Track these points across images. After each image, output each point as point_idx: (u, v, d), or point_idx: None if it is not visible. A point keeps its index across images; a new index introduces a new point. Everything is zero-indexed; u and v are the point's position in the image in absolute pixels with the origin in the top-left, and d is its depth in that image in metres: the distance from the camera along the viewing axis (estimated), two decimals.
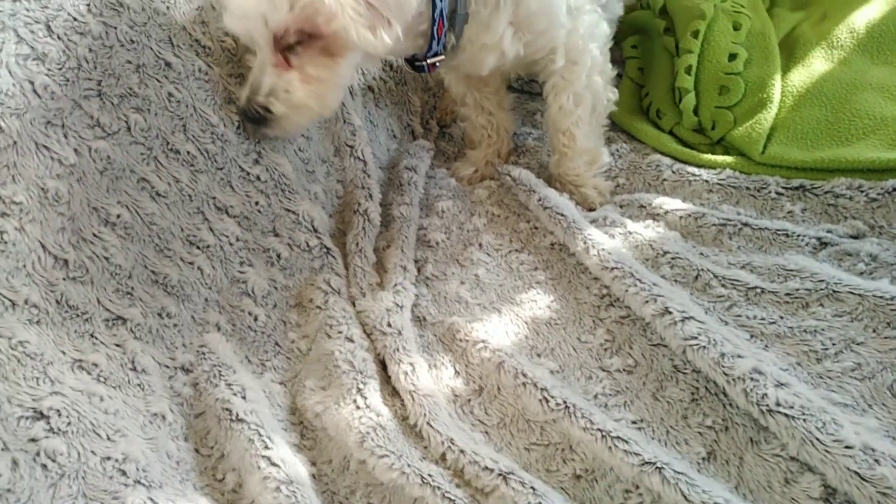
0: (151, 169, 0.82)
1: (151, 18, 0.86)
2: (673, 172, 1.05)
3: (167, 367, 0.76)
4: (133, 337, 0.74)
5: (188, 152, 0.86)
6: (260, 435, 0.69)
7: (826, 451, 0.62)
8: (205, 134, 0.88)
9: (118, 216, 0.77)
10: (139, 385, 0.72)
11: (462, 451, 0.68)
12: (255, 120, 0.85)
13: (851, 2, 1.23)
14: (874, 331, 0.75)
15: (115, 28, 0.82)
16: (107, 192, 0.77)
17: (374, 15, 0.77)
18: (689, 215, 0.95)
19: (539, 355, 0.82)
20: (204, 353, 0.78)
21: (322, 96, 0.86)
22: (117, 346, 0.73)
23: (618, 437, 0.67)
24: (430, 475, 0.66)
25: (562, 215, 0.97)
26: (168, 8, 0.89)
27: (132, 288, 0.76)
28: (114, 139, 0.79)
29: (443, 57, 0.95)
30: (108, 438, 0.65)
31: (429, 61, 0.94)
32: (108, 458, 0.63)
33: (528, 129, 1.28)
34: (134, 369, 0.73)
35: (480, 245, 1.00)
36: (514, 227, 1.03)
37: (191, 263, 0.82)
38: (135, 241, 0.78)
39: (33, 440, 0.60)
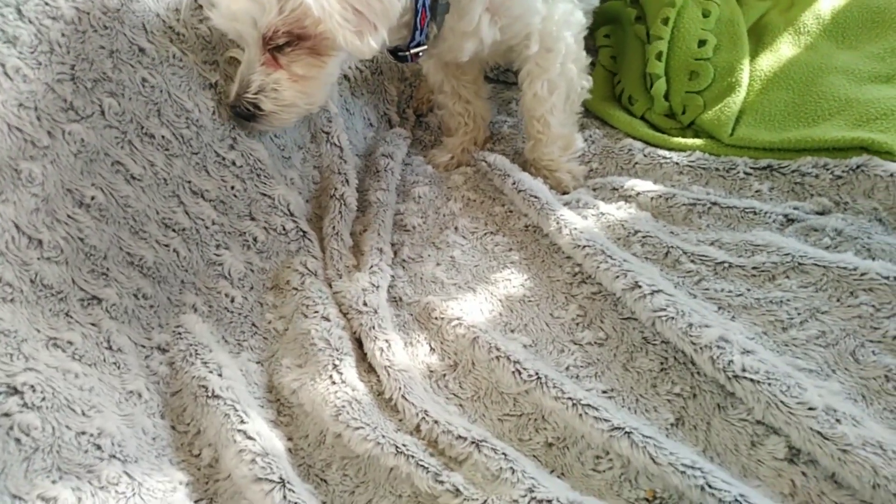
0: (126, 152, 0.82)
1: (125, 4, 0.87)
2: (645, 156, 1.07)
3: (143, 346, 0.77)
4: (108, 317, 0.75)
5: (163, 136, 0.86)
6: (236, 410, 0.70)
7: (790, 413, 0.64)
8: (179, 119, 0.88)
9: (93, 198, 0.77)
10: (115, 363, 0.73)
11: (436, 422, 0.70)
12: (245, 116, 0.88)
13: None
14: (838, 300, 0.77)
15: (88, 13, 0.82)
16: (81, 175, 0.77)
17: (361, 20, 0.79)
18: (660, 196, 0.97)
19: (513, 331, 0.84)
20: (180, 334, 0.79)
21: (310, 94, 0.88)
22: (93, 325, 0.73)
23: (588, 405, 0.69)
24: (404, 445, 0.67)
25: (535, 198, 0.98)
26: None
27: (107, 269, 0.77)
28: (87, 122, 0.79)
29: (426, 47, 0.96)
30: (83, 414, 0.65)
31: (412, 51, 0.96)
32: (83, 433, 0.64)
33: (504, 117, 1.29)
34: (109, 348, 0.73)
35: (456, 228, 1.02)
36: (490, 210, 1.05)
37: (166, 246, 0.83)
38: (109, 223, 0.78)
39: (6, 415, 0.60)
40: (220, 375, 0.74)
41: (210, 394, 0.72)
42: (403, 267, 0.96)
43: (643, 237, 0.90)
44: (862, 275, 0.77)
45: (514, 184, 1.03)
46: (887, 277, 0.76)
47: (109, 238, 0.78)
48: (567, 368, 0.78)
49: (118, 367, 0.72)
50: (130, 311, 0.77)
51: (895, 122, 0.96)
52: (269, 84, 0.85)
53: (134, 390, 0.72)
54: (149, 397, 0.73)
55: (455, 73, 1.13)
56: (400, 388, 0.74)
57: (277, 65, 0.85)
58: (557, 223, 0.92)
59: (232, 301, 0.85)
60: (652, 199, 0.97)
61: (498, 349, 0.78)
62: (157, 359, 0.76)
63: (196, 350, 0.77)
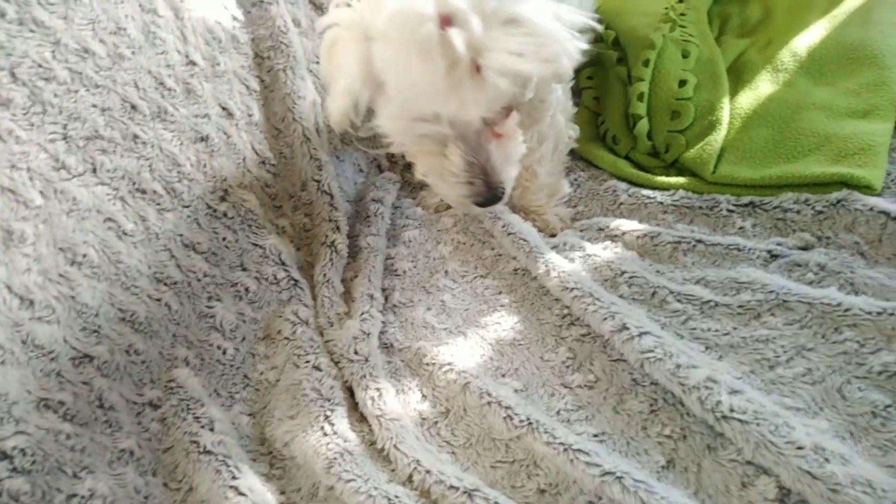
0: (118, 208, 0.83)
1: (116, 63, 0.89)
2: (629, 196, 1.08)
3: (135, 403, 0.77)
4: (100, 374, 0.75)
5: (154, 191, 0.87)
6: (227, 465, 0.70)
7: (779, 452, 0.64)
8: (171, 173, 0.90)
9: (84, 255, 0.78)
10: (106, 422, 0.73)
11: (428, 472, 0.70)
12: (498, 198, 0.82)
13: (794, 28, 1.29)
14: (823, 336, 0.78)
15: (81, 73, 0.84)
16: (73, 232, 0.78)
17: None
18: (646, 235, 0.98)
19: (504, 375, 0.84)
20: (172, 388, 0.79)
21: (519, 142, 0.85)
22: (84, 383, 0.73)
23: (579, 450, 0.69)
24: (396, 496, 0.67)
25: (524, 241, 1.00)
26: (133, 53, 0.92)
27: (99, 326, 0.77)
28: (79, 180, 0.81)
29: None
30: (75, 476, 0.65)
31: None
32: (74, 496, 0.64)
33: None
34: (101, 406, 0.73)
35: (446, 272, 1.03)
36: (479, 254, 1.06)
37: (158, 300, 0.83)
38: (101, 280, 0.79)
39: None
40: (211, 430, 0.74)
41: (202, 449, 0.72)
42: (394, 312, 0.97)
43: (630, 277, 0.91)
44: (846, 311, 0.78)
45: (503, 226, 1.04)
46: (870, 313, 0.77)
47: (101, 294, 0.79)
48: (558, 412, 0.78)
49: (110, 426, 0.72)
50: (122, 368, 0.77)
51: (873, 157, 0.98)
52: (504, 156, 0.81)
53: (126, 448, 0.72)
54: (140, 455, 0.73)
55: None
56: (392, 438, 0.74)
57: (496, 134, 0.80)
58: (546, 266, 0.93)
59: (224, 353, 0.86)
60: (637, 237, 0.99)
61: (489, 394, 0.78)
62: (148, 415, 0.77)
63: (188, 405, 0.77)
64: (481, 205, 0.82)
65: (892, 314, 0.76)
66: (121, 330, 0.79)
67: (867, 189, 0.94)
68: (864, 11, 1.26)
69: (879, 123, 1.04)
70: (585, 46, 0.73)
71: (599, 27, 0.74)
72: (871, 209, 0.90)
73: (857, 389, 0.72)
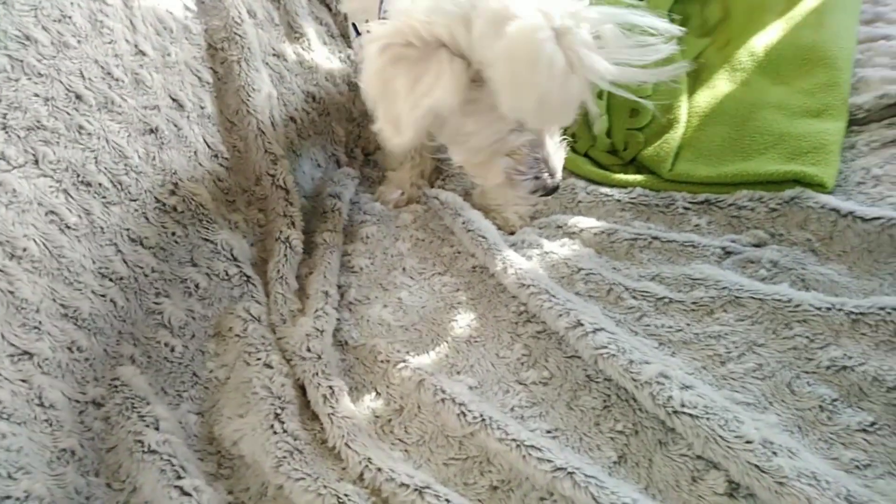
0: (61, 201, 0.80)
1: (61, 52, 0.86)
2: (587, 194, 1.08)
3: (77, 401, 0.74)
4: (40, 372, 0.72)
5: (100, 184, 0.85)
6: (172, 465, 0.68)
7: (728, 447, 0.65)
8: (118, 166, 0.87)
9: (24, 249, 0.75)
10: (46, 420, 0.70)
11: (379, 469, 0.69)
12: (558, 186, 0.86)
13: (752, 28, 1.31)
14: (773, 332, 0.78)
15: (22, 61, 0.81)
16: (12, 226, 0.75)
17: None
18: (603, 232, 0.98)
19: (459, 372, 0.83)
20: (116, 387, 0.77)
21: None
22: (23, 381, 0.70)
23: (532, 447, 0.68)
24: (346, 495, 0.66)
25: (483, 238, 0.99)
26: (79, 42, 0.89)
27: (39, 322, 0.74)
28: (20, 172, 0.78)
29: None
30: (10, 477, 0.63)
31: None
32: (8, 497, 0.61)
33: None
34: (41, 405, 0.71)
35: (404, 269, 1.01)
36: (438, 251, 1.05)
37: (103, 296, 0.81)
38: (42, 275, 0.76)
39: None
40: (156, 429, 0.72)
41: (146, 449, 0.70)
42: (350, 309, 0.95)
43: (586, 274, 0.91)
44: (796, 307, 0.79)
45: (463, 223, 1.03)
46: (819, 308, 0.78)
47: (42, 290, 0.76)
48: (512, 409, 0.77)
49: (50, 425, 0.70)
50: (64, 366, 0.75)
51: (825, 155, 0.99)
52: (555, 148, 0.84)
53: (67, 448, 0.69)
54: (83, 454, 0.71)
55: None
56: (343, 436, 0.73)
57: None
58: (503, 263, 0.93)
59: (172, 350, 0.83)
60: (595, 235, 0.99)
61: (443, 392, 0.77)
62: (91, 414, 0.74)
63: (133, 403, 0.74)
64: (547, 194, 0.86)
65: (840, 309, 0.77)
66: (63, 326, 0.77)
67: (820, 187, 0.96)
68: (819, 14, 1.28)
69: (832, 123, 1.06)
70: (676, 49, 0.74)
71: (682, 30, 0.74)
72: (822, 207, 0.91)
73: (805, 384, 0.73)
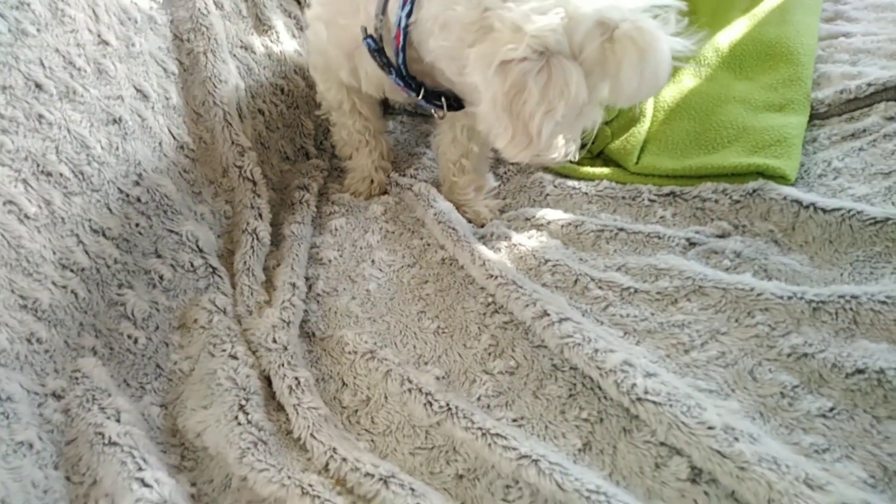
0: (20, 191, 0.79)
1: (19, 39, 0.84)
2: (555, 187, 1.09)
3: (36, 393, 0.73)
4: None
5: (61, 174, 0.83)
6: (133, 457, 0.67)
7: (691, 433, 0.66)
8: (79, 156, 0.86)
9: None
10: (3, 413, 0.68)
11: (344, 459, 0.68)
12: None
13: (716, 24, 1.33)
14: (736, 321, 0.79)
15: None
16: None
17: None
18: (570, 223, 0.99)
19: (426, 363, 0.83)
20: (77, 378, 0.75)
21: None
22: None
23: (497, 435, 0.69)
24: (310, 485, 0.65)
25: (454, 230, 0.99)
26: (38, 30, 0.87)
27: None
28: None
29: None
30: None
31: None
32: None
33: (423, 149, 1.30)
34: None
35: (373, 261, 1.01)
36: (408, 243, 1.05)
37: (64, 287, 0.79)
38: (0, 266, 0.75)
39: None
40: (118, 421, 0.71)
41: (107, 441, 0.68)
42: (318, 301, 0.95)
43: (553, 266, 0.91)
44: (758, 295, 0.80)
45: (435, 214, 1.03)
46: (781, 297, 0.79)
47: (0, 281, 0.74)
48: (478, 399, 0.78)
49: (7, 417, 0.68)
50: (23, 357, 0.73)
51: (788, 149, 1.01)
52: None
53: (24, 441, 0.68)
54: (41, 447, 0.69)
55: (357, 94, 1.10)
56: (309, 427, 0.73)
57: None
58: (472, 255, 0.93)
59: (135, 342, 0.82)
60: (562, 226, 0.99)
61: (410, 381, 0.77)
62: (51, 406, 0.73)
63: (94, 395, 0.73)
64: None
65: (801, 298, 0.78)
66: (21, 318, 0.75)
67: (782, 179, 0.97)
68: (782, 11, 1.30)
69: (794, 117, 1.07)
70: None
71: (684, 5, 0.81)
72: (784, 198, 0.93)
73: (767, 371, 0.74)
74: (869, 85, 1.07)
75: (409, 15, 0.85)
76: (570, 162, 1.14)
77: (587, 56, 0.76)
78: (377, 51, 0.90)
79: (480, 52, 0.77)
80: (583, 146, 1.16)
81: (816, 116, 1.10)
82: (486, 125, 0.82)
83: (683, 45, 0.77)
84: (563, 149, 0.92)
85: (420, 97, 0.94)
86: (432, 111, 0.99)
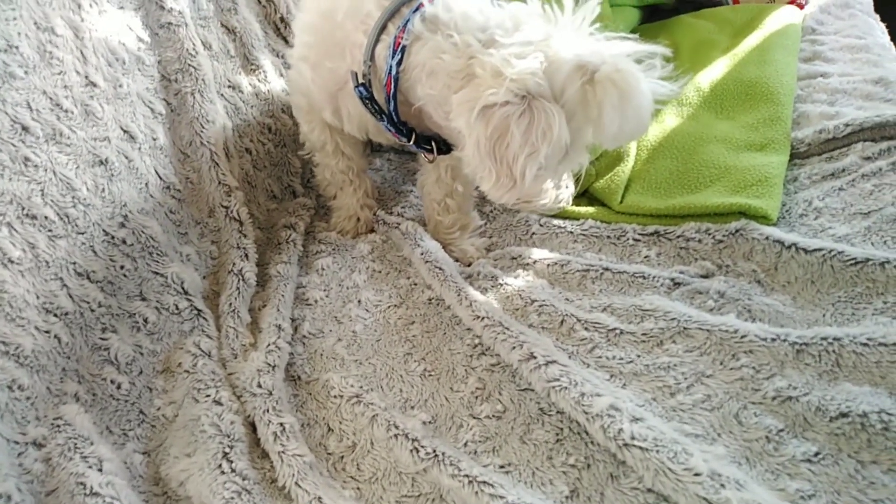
0: (4, 235, 0.78)
1: (6, 82, 0.84)
2: (541, 226, 1.10)
3: (16, 442, 0.72)
4: None
5: (46, 217, 0.83)
6: None
7: (677, 479, 0.66)
8: (65, 198, 0.85)
9: None
10: None
11: None
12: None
13: (698, 64, 1.35)
14: (721, 363, 0.80)
15: None
16: None
17: None
18: (556, 263, 0.99)
19: (413, 407, 0.83)
20: (59, 426, 0.74)
21: None
22: None
23: (484, 482, 0.68)
24: None
25: (440, 269, 0.99)
26: (26, 72, 0.87)
27: None
28: None
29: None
30: None
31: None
32: None
33: (410, 186, 1.30)
34: None
35: (359, 301, 1.01)
36: (395, 282, 1.05)
37: (46, 332, 0.78)
38: None
39: None
40: (100, 470, 0.70)
41: (88, 491, 0.67)
42: (304, 343, 0.94)
43: (539, 306, 0.91)
44: (742, 337, 0.81)
45: (422, 254, 1.03)
46: (765, 339, 0.80)
47: None
48: (465, 444, 0.77)
49: None
50: (3, 405, 0.72)
51: (769, 188, 1.03)
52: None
53: (2, 493, 0.67)
54: (20, 499, 0.68)
55: (340, 134, 1.11)
56: (294, 475, 0.72)
57: None
58: (458, 295, 0.93)
59: (118, 388, 0.81)
60: (548, 266, 1.00)
61: (396, 427, 0.77)
62: (31, 455, 0.71)
63: (75, 443, 0.72)
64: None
65: (784, 340, 0.79)
66: (3, 364, 0.74)
67: (764, 219, 0.99)
68: (761, 51, 1.33)
69: (775, 156, 1.09)
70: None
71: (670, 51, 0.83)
72: (766, 238, 0.94)
73: (752, 415, 0.74)
74: (846, 125, 1.10)
75: (399, 63, 0.86)
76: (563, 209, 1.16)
77: (568, 98, 0.77)
78: (368, 98, 0.91)
79: (463, 98, 0.79)
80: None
81: (797, 156, 1.12)
82: (471, 168, 0.83)
83: (666, 88, 0.79)
84: (551, 193, 0.92)
85: (411, 142, 0.95)
86: (423, 154, 1.00)
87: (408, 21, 0.85)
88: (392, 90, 0.88)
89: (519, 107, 0.76)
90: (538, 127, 0.76)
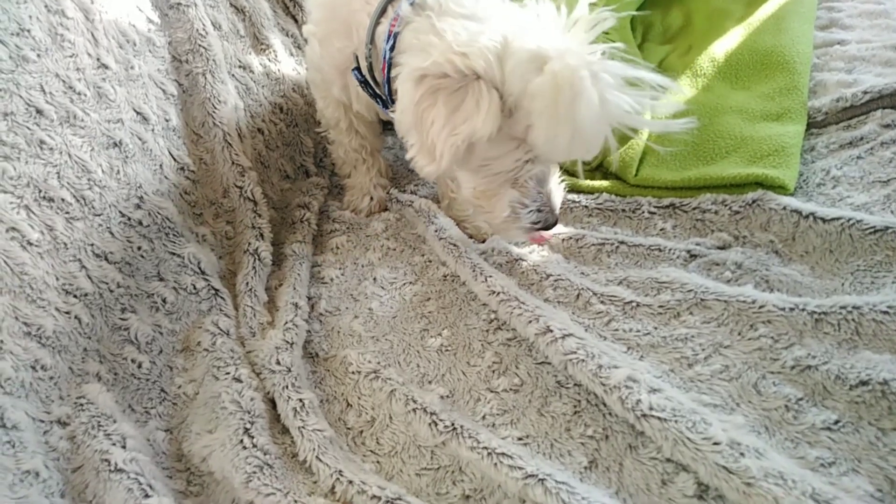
0: (22, 217, 0.79)
1: (20, 66, 0.85)
2: None
3: (42, 421, 0.73)
4: (2, 392, 0.71)
5: (63, 199, 0.83)
6: (139, 483, 0.67)
7: (696, 449, 0.66)
8: (80, 181, 0.86)
9: None
10: (9, 442, 0.68)
11: (350, 482, 0.68)
12: (557, 221, 0.88)
13: (712, 34, 1.33)
14: (739, 334, 0.80)
15: None
16: None
17: None
18: (571, 237, 0.99)
19: (430, 382, 0.83)
20: (82, 405, 0.75)
21: None
22: None
23: (503, 454, 0.69)
24: None
25: (455, 245, 0.99)
26: (39, 56, 0.87)
27: (2, 341, 0.73)
28: None
29: None
30: None
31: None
32: None
33: None
34: (3, 426, 0.69)
35: (375, 279, 1.01)
36: (409, 260, 1.05)
37: (67, 313, 0.79)
38: (4, 293, 0.75)
39: None
40: (123, 447, 0.71)
41: (113, 468, 0.68)
42: (320, 321, 0.95)
43: (555, 280, 0.91)
44: (760, 307, 0.80)
45: (436, 231, 1.03)
46: (783, 309, 0.79)
47: (4, 308, 0.74)
48: (483, 417, 0.78)
49: (13, 446, 0.68)
50: (28, 385, 0.73)
51: (786, 158, 1.01)
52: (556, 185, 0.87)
53: (30, 469, 0.68)
54: (47, 475, 0.69)
55: (353, 112, 1.10)
56: (314, 449, 0.73)
57: None
58: (473, 271, 0.93)
59: (139, 367, 0.82)
60: (563, 240, 0.99)
61: (415, 401, 0.77)
62: (56, 433, 0.73)
63: (99, 422, 0.73)
64: (546, 228, 0.88)
65: (803, 309, 0.78)
66: (26, 345, 0.75)
67: (781, 189, 0.98)
68: (777, 20, 1.31)
69: (791, 126, 1.08)
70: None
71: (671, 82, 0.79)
72: (784, 208, 0.93)
73: (771, 384, 0.74)
74: (865, 93, 1.08)
75: (392, 48, 0.85)
76: (568, 174, 1.15)
77: (510, 88, 0.74)
78: (364, 82, 0.91)
79: (412, 63, 0.77)
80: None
81: (814, 125, 1.11)
82: (400, 132, 0.81)
83: (632, 106, 0.73)
84: (509, 218, 0.86)
85: None
86: None
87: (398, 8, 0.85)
88: (387, 73, 0.88)
89: (455, 83, 0.73)
90: (466, 109, 0.73)
